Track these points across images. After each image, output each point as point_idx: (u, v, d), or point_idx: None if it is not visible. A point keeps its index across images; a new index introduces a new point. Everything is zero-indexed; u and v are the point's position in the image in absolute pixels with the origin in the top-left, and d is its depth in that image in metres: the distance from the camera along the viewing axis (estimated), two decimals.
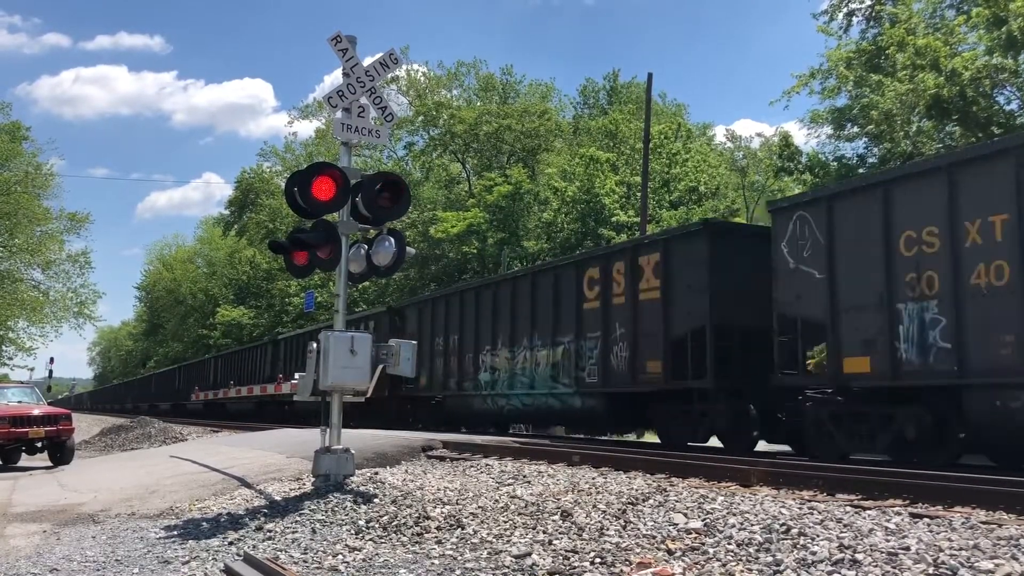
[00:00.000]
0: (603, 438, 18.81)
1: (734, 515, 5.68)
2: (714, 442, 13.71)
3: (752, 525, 5.36)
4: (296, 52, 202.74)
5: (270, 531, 6.57)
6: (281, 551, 5.97)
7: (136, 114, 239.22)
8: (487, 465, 9.40)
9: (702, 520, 5.65)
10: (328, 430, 8.35)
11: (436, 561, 5.39)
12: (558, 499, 6.75)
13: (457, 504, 6.84)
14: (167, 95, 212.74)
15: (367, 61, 8.88)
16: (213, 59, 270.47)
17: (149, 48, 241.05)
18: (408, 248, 8.77)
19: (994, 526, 5.01)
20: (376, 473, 8.79)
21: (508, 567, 5.05)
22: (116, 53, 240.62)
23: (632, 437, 21.43)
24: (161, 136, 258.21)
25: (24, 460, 17.89)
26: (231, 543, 6.33)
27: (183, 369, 50.12)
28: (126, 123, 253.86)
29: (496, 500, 6.88)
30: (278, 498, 8.01)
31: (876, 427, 10.17)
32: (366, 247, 8.78)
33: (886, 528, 5.09)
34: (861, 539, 4.83)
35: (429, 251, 38.97)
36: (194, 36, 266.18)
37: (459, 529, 6.10)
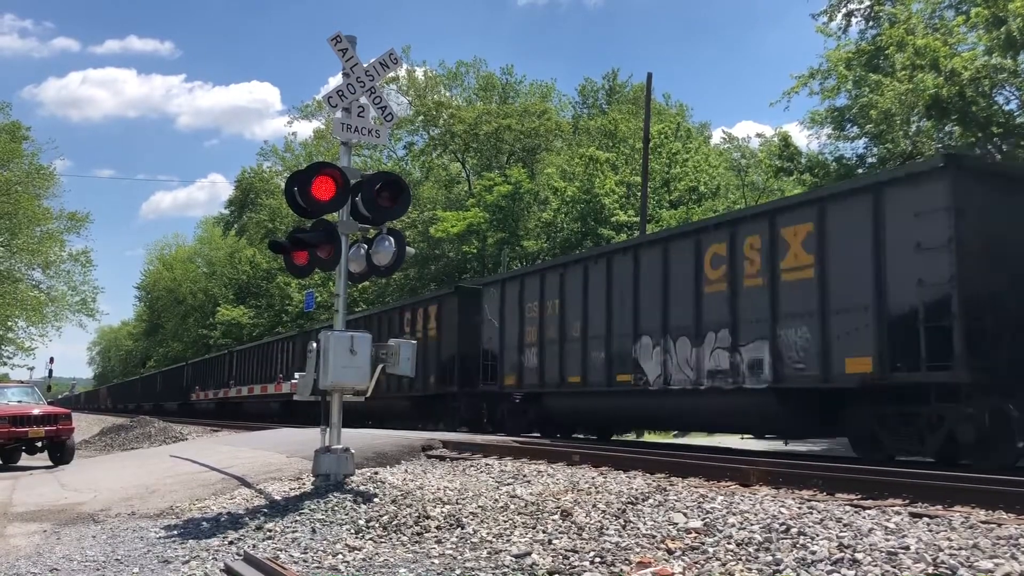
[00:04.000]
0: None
1: (734, 515, 5.69)
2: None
3: (752, 525, 5.36)
4: (302, 56, 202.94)
5: (270, 530, 6.58)
6: (281, 550, 5.97)
7: (142, 116, 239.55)
8: (487, 465, 9.41)
9: (702, 520, 5.65)
10: (328, 430, 8.35)
11: (436, 560, 5.39)
12: (558, 499, 6.76)
13: (457, 504, 6.84)
14: (175, 98, 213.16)
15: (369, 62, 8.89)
16: (221, 63, 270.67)
17: (158, 52, 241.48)
18: (408, 248, 8.77)
19: (994, 526, 5.02)
20: (376, 473, 8.80)
21: (508, 567, 5.06)
22: (125, 57, 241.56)
23: (632, 436, 21.40)
24: (167, 138, 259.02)
25: (24, 460, 17.90)
26: (231, 542, 6.33)
27: (191, 367, 47.34)
28: (132, 125, 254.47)
29: (496, 500, 6.89)
30: (278, 498, 8.01)
31: None
32: (366, 247, 8.78)
33: (886, 527, 5.10)
34: (861, 538, 4.83)
35: (429, 251, 38.96)
36: (203, 41, 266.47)
37: (459, 528, 6.10)
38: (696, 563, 4.79)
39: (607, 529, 5.66)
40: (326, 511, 7.05)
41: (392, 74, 21.12)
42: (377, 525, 6.46)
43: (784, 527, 5.20)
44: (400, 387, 21.48)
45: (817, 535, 4.97)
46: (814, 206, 11.07)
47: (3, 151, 41.41)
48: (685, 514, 5.86)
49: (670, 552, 5.04)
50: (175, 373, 51.50)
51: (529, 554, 5.25)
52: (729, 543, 5.03)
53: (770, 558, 4.67)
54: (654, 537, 5.35)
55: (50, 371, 54.65)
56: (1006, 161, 13.60)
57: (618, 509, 6.17)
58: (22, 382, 31.50)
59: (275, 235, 40.27)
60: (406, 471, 9.25)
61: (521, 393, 17.12)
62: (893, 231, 9.91)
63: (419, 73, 45.58)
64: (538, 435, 16.14)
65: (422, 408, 21.34)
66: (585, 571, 4.84)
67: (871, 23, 24.21)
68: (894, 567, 4.30)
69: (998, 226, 9.53)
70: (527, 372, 16.76)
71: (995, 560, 4.26)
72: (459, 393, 19.33)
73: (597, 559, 5.01)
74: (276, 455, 11.20)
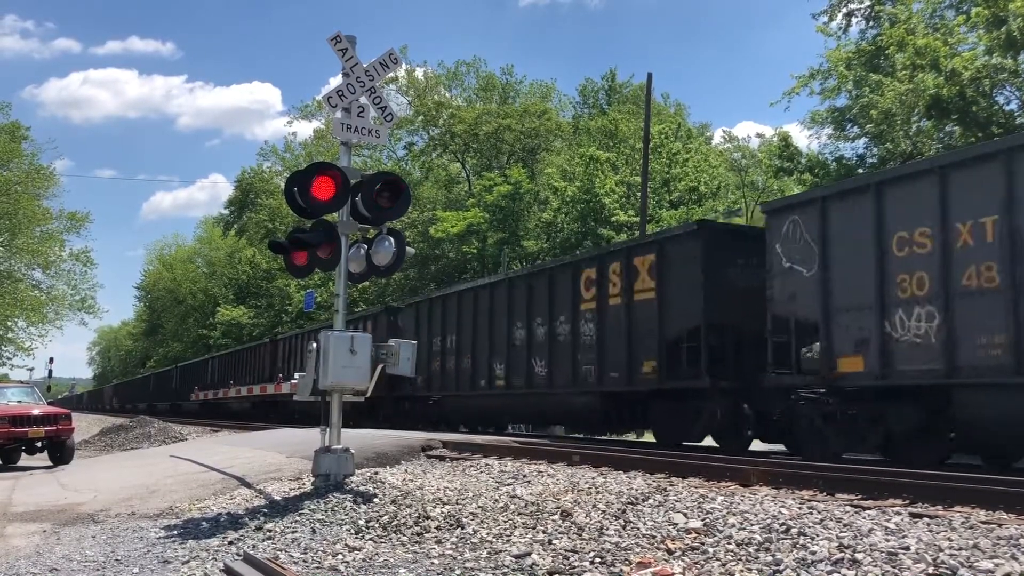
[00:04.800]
0: (603, 438, 18.60)
1: (734, 515, 5.68)
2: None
3: (752, 525, 5.36)
4: (303, 56, 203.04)
5: (270, 531, 6.58)
6: (281, 551, 5.97)
7: (143, 117, 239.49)
8: (487, 465, 9.40)
9: (702, 520, 5.65)
10: (328, 430, 8.35)
11: (436, 561, 5.39)
12: (558, 499, 6.76)
13: (457, 504, 6.84)
14: (176, 99, 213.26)
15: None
16: (222, 64, 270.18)
17: (159, 53, 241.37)
18: (408, 248, 8.77)
19: (994, 526, 5.01)
20: (376, 473, 8.79)
21: (508, 567, 5.06)
22: (127, 58, 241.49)
23: (632, 436, 21.37)
24: (168, 139, 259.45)
25: (24, 460, 17.89)
26: (231, 543, 6.33)
27: (218, 360, 41.88)
28: (133, 126, 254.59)
29: (496, 500, 6.89)
30: (278, 498, 8.01)
31: None
32: (366, 247, 8.78)
33: (886, 528, 5.09)
34: (861, 539, 4.83)
35: (429, 251, 38.98)
36: (205, 41, 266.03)
37: (459, 529, 6.10)
38: (696, 563, 4.78)
39: (607, 529, 5.66)
40: (326, 511, 7.05)
41: (392, 74, 20.67)
42: (377, 525, 6.46)
43: (784, 527, 5.20)
44: (577, 378, 15.17)
45: (817, 535, 4.97)
46: None
47: (3, 151, 41.47)
48: (685, 514, 5.86)
49: (670, 552, 5.03)
50: (195, 368, 46.16)
51: (529, 554, 5.25)
52: (729, 543, 5.03)
53: (770, 558, 4.66)
54: (654, 537, 5.35)
55: (50, 371, 54.67)
56: None
57: (618, 509, 6.17)
58: (22, 382, 31.50)
59: (275, 235, 40.09)
60: (406, 471, 9.24)
61: (824, 388, 10.83)
62: None
63: (419, 73, 45.68)
64: (890, 461, 10.34)
65: (620, 408, 14.70)
66: (585, 571, 4.84)
67: (871, 23, 24.28)
68: (894, 567, 4.30)
69: None
70: (903, 350, 9.84)
71: (995, 560, 4.25)
72: (710, 388, 12.37)
73: (597, 559, 5.01)
74: (276, 455, 11.19)
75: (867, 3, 24.19)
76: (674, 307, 13.16)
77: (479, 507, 6.65)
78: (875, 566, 4.34)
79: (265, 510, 7.43)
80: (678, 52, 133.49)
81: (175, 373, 51.28)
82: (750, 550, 4.86)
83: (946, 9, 23.22)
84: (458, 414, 20.03)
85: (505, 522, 6.17)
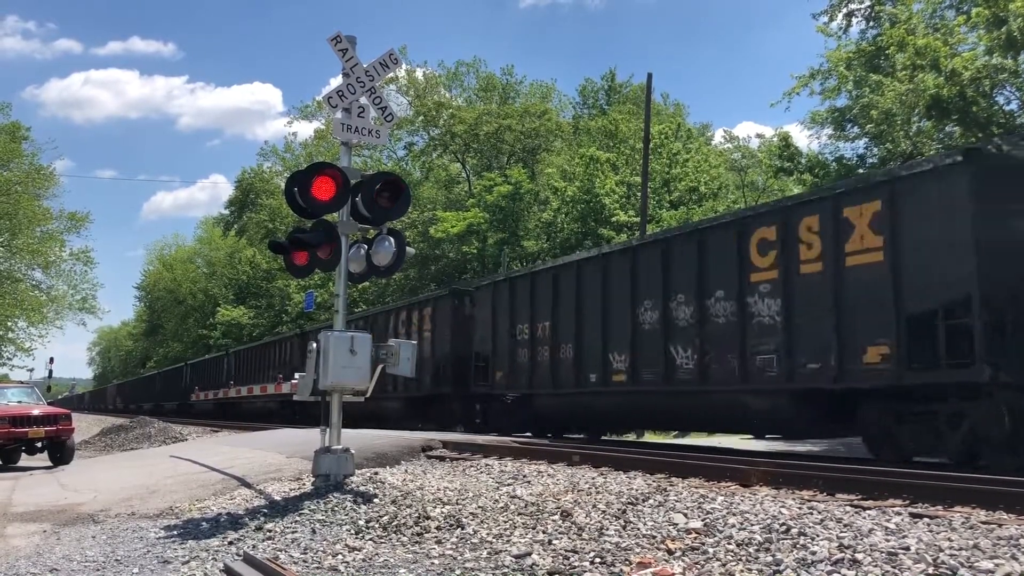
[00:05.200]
0: (603, 438, 18.61)
1: (734, 515, 5.68)
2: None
3: (752, 525, 5.36)
4: (303, 57, 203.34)
5: (270, 531, 6.57)
6: (281, 551, 5.97)
7: (144, 117, 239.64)
8: (487, 465, 9.40)
9: (702, 520, 5.65)
10: (328, 430, 8.35)
11: (436, 561, 5.39)
12: (558, 499, 6.75)
13: (457, 504, 6.84)
14: (177, 99, 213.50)
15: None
16: (223, 64, 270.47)
17: (160, 53, 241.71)
18: (408, 248, 8.77)
19: (994, 526, 5.01)
20: (376, 473, 8.79)
21: (508, 567, 5.06)
22: (128, 58, 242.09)
23: (631, 437, 21.39)
24: (169, 139, 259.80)
25: (24, 460, 17.90)
26: (231, 543, 6.33)
27: (233, 356, 38.53)
28: (134, 126, 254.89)
29: (496, 500, 6.89)
30: (278, 498, 8.01)
31: None
32: (366, 247, 8.79)
33: (886, 528, 5.09)
34: (861, 539, 4.83)
35: (429, 251, 38.98)
36: (206, 42, 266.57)
37: (459, 529, 6.10)
38: (696, 563, 4.78)
39: (607, 529, 5.65)
40: (326, 511, 7.05)
41: (392, 74, 20.36)
42: (377, 525, 6.46)
43: (784, 527, 5.20)
44: (749, 371, 11.31)
45: (817, 535, 4.97)
46: None
47: (3, 151, 41.48)
48: (685, 514, 5.86)
49: (670, 552, 5.03)
50: (208, 366, 42.82)
51: (529, 554, 5.25)
52: (729, 543, 5.03)
53: (770, 558, 4.66)
54: (654, 537, 5.35)
55: (50, 371, 54.53)
56: None
57: (618, 509, 6.17)
58: (22, 382, 31.50)
59: (275, 235, 39.98)
60: (406, 471, 9.24)
61: None
62: None
63: (419, 73, 45.69)
64: None
65: (819, 410, 10.77)
66: (585, 571, 4.84)
67: (872, 23, 24.27)
68: (894, 567, 4.30)
69: None
70: None
71: (995, 561, 4.25)
72: (990, 383, 8.68)
73: (597, 559, 5.01)
74: (276, 455, 11.19)
75: (867, 3, 24.18)
76: (919, 272, 9.44)
77: (479, 507, 6.65)
78: (875, 566, 4.34)
79: (265, 510, 7.43)
80: (678, 52, 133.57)
81: (185, 371, 47.32)
82: (750, 550, 4.86)
83: (946, 9, 23.21)
84: (555, 416, 16.43)
85: (505, 522, 6.17)
